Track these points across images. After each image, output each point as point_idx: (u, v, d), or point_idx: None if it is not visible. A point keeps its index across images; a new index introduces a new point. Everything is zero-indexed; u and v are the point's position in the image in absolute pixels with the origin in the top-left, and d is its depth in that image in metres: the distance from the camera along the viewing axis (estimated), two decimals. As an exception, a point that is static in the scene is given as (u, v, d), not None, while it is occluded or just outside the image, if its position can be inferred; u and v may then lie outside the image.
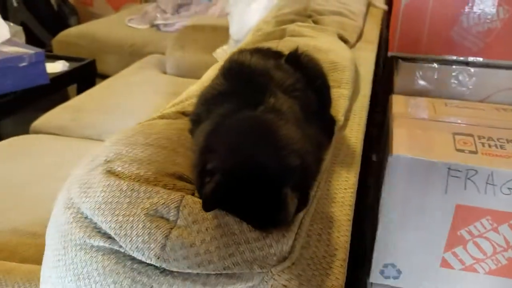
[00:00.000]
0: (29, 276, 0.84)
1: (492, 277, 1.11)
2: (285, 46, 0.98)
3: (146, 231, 0.52)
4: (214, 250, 0.51)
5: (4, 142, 1.53)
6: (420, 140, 1.12)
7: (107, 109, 1.80)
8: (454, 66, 1.42)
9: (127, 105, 1.81)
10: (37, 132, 1.72)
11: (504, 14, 1.36)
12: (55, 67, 2.14)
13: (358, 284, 1.30)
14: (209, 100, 0.69)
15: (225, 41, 2.17)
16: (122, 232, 0.54)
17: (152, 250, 0.52)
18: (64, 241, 0.59)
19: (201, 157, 0.57)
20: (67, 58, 2.27)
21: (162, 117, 0.81)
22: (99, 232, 0.56)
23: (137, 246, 0.52)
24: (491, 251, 1.09)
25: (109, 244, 0.55)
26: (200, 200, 0.54)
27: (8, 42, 2.01)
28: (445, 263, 1.12)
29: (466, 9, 1.37)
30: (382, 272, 1.16)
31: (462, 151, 1.07)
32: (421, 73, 1.40)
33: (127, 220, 0.54)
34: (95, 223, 0.57)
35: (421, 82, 1.41)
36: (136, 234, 0.53)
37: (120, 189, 0.57)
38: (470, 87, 1.42)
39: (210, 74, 0.96)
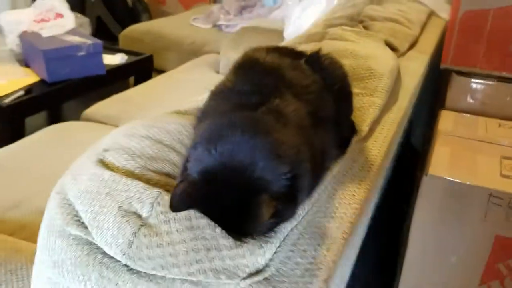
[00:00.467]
0: (34, 257, 0.85)
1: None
2: (322, 48, 0.93)
3: (116, 225, 0.50)
4: (180, 253, 0.48)
5: (50, 127, 1.58)
6: (463, 162, 1.03)
7: (154, 103, 1.82)
8: (512, 84, 1.29)
9: (173, 100, 1.82)
10: (87, 119, 1.77)
11: None
12: (114, 59, 2.21)
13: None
14: (216, 96, 0.66)
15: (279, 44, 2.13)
16: (95, 223, 0.52)
17: (119, 246, 0.49)
18: (48, 225, 0.58)
19: (187, 155, 0.54)
20: (127, 52, 2.34)
21: (184, 112, 0.78)
22: (78, 220, 0.54)
23: (106, 240, 0.50)
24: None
25: (85, 234, 0.53)
26: None
27: (72, 31, 2.10)
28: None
29: (531, 23, 1.24)
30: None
31: (507, 177, 0.96)
32: (475, 89, 1.29)
33: (101, 211, 0.52)
34: (77, 211, 0.55)
35: (475, 99, 1.29)
36: (106, 227, 0.50)
37: (102, 179, 0.55)
38: (529, 108, 1.28)
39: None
